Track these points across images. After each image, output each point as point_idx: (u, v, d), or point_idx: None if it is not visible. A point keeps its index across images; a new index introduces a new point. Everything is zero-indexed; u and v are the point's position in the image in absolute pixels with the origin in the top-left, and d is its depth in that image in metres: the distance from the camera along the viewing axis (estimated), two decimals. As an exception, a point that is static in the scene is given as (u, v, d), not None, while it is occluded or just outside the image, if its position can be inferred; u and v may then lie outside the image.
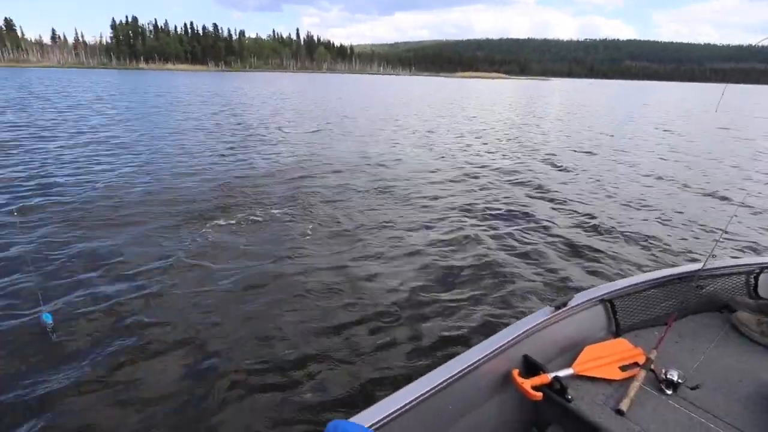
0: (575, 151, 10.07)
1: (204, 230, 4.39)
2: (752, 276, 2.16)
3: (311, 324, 2.85)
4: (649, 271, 2.10)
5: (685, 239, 4.63)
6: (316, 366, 2.45)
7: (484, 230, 4.70)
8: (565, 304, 1.70)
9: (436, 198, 5.84)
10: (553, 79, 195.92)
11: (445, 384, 1.30)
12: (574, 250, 4.25)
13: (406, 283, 3.43)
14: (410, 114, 17.93)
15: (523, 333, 1.53)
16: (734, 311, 1.95)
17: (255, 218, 4.79)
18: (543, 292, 3.37)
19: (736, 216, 5.34)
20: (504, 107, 24.41)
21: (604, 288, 1.89)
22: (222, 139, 10.16)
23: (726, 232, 4.73)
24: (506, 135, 12.38)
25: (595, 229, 4.90)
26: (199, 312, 2.95)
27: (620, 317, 1.83)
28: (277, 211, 5.06)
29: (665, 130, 14.71)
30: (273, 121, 13.87)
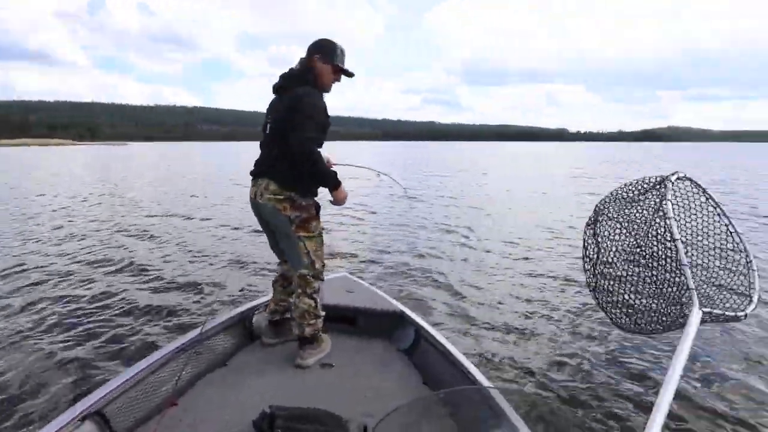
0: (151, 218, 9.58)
1: None
2: (248, 320, 2.44)
3: None
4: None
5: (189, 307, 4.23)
6: None
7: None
8: None
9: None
10: (130, 143, 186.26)
11: None
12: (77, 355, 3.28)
13: None
14: None
15: None
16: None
17: None
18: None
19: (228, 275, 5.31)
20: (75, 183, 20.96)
21: (91, 397, 1.59)
22: None
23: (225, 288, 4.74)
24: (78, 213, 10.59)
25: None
26: None
27: (114, 425, 1.59)
28: None
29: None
30: None
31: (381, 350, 2.36)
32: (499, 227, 8.63)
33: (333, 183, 2.17)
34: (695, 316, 1.18)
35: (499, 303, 4.51)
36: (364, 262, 6.09)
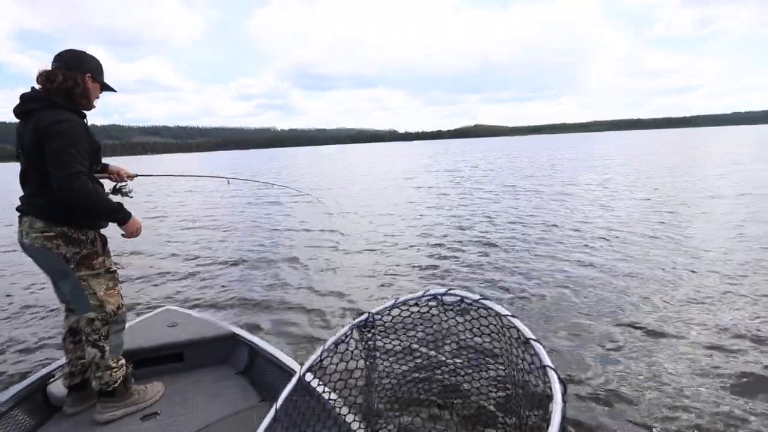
0: None
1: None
2: (41, 392, 2.10)
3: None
4: None
5: None
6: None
7: None
8: None
9: None
10: None
11: None
12: None
13: None
14: None
15: None
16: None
17: None
18: None
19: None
20: None
21: None
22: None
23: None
24: None
25: None
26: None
27: None
28: None
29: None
30: None
31: (216, 379, 2.26)
32: (360, 227, 8.45)
33: (120, 217, 1.92)
34: None
35: (348, 309, 4.27)
36: (196, 288, 5.37)
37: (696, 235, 6.81)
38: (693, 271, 5.04)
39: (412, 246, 6.87)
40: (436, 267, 5.66)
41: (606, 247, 6.29)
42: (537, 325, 3.90)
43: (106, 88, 2.06)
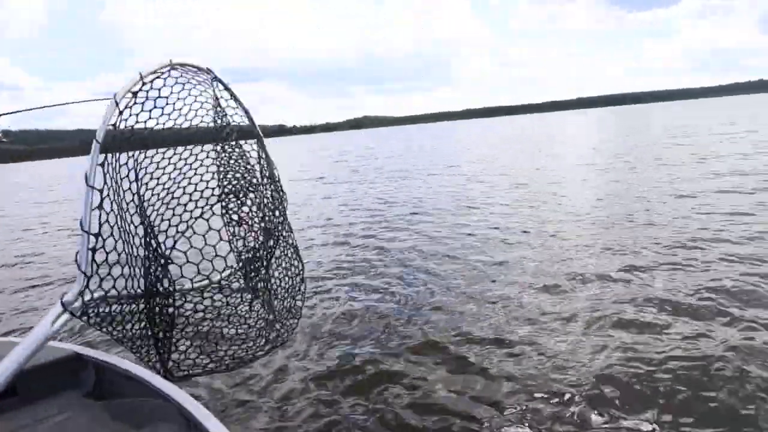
0: None
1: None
2: None
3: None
4: None
5: None
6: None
7: None
8: None
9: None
10: None
11: None
12: None
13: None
14: None
15: None
16: None
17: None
18: None
19: None
20: None
21: None
22: None
23: None
24: None
25: None
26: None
27: None
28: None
29: None
30: None
31: (59, 407, 2.01)
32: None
33: None
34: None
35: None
36: (31, 305, 4.77)
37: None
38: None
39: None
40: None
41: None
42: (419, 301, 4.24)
43: None
